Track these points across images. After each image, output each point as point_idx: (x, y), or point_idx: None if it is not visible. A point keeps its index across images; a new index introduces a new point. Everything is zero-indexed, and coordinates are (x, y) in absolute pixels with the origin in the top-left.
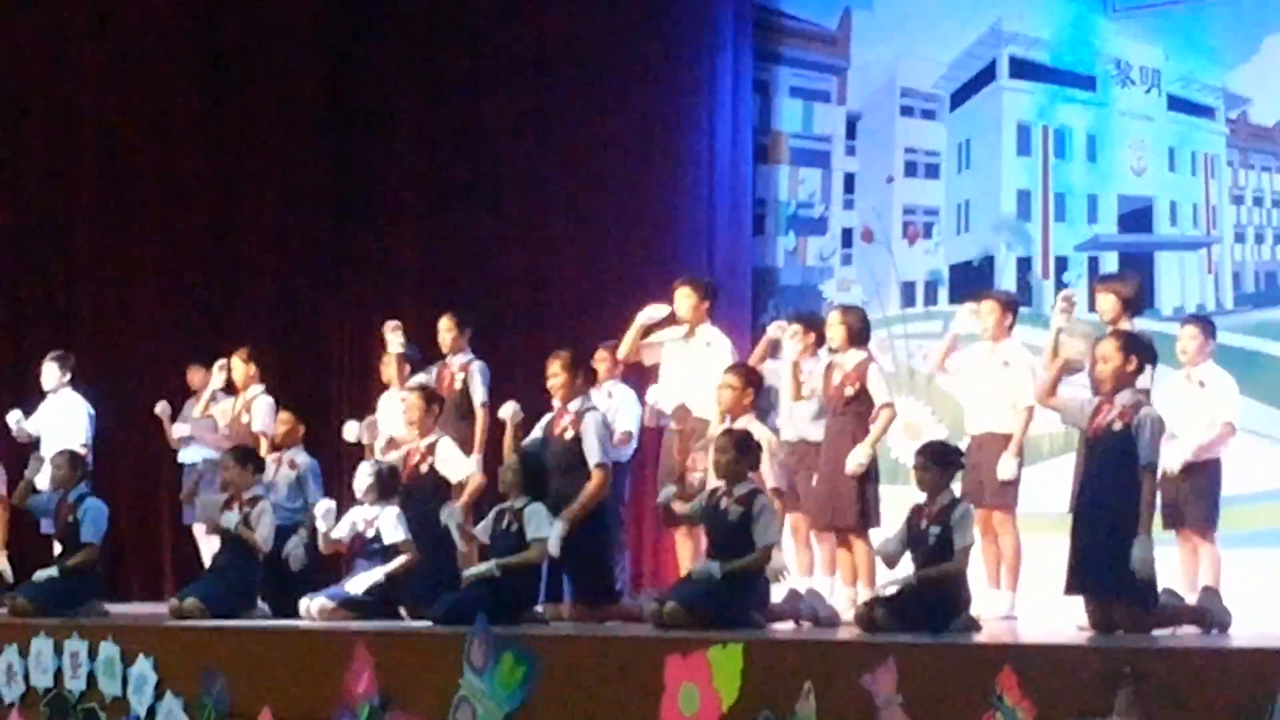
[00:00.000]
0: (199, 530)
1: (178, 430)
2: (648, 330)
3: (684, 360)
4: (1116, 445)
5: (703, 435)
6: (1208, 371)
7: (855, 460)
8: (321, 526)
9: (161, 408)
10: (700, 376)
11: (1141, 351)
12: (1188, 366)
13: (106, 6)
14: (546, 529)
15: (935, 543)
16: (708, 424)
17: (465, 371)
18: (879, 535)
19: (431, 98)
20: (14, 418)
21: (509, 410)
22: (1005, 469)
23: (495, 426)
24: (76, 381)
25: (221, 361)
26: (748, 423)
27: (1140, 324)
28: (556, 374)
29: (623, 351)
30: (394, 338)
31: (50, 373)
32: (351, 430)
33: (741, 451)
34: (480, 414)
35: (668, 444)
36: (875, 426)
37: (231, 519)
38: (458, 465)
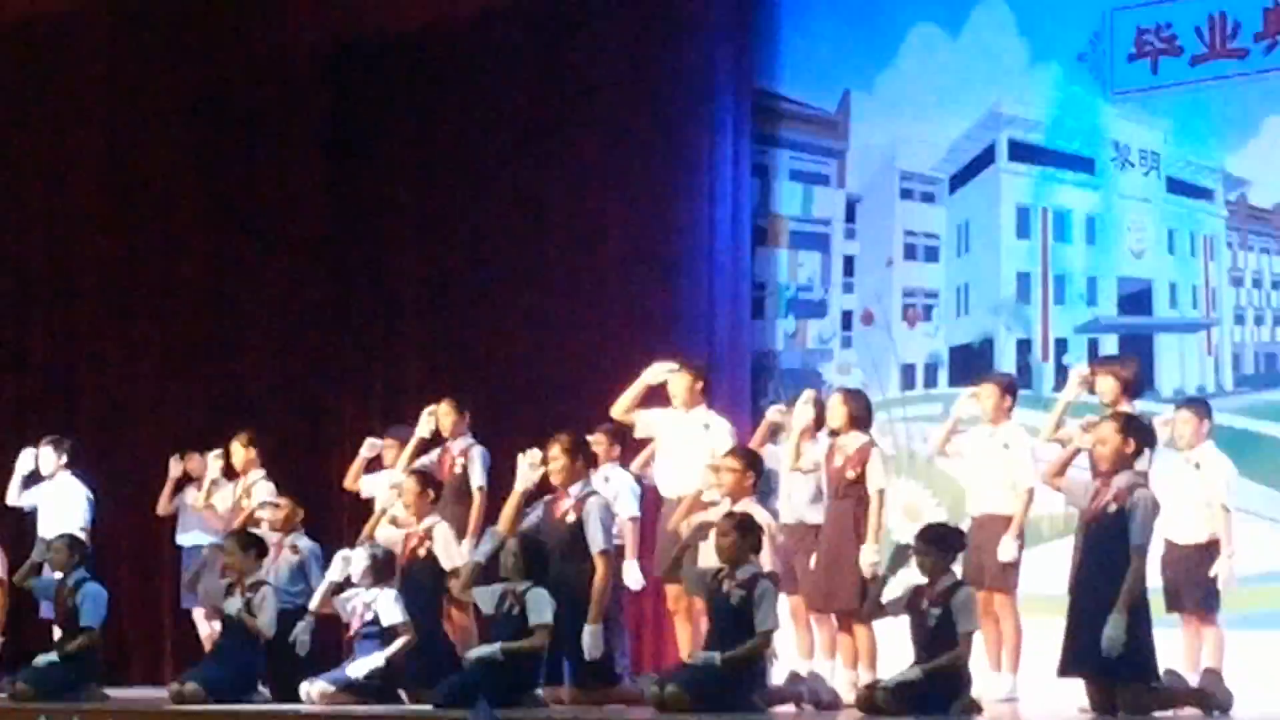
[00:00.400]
0: (199, 614)
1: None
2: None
3: (682, 442)
4: (1112, 527)
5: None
6: (1204, 453)
7: (868, 561)
8: (335, 575)
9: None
10: (699, 458)
11: (1140, 433)
12: (1184, 451)
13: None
14: (549, 614)
15: (936, 624)
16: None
17: (465, 456)
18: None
19: (430, 182)
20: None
21: (529, 459)
22: (1006, 551)
23: (492, 511)
24: (74, 465)
25: (218, 451)
26: (748, 505)
27: (1140, 406)
28: (556, 457)
29: (618, 409)
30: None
31: (47, 458)
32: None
33: (743, 534)
34: (477, 498)
35: (664, 520)
36: (872, 519)
37: (234, 605)
38: (452, 553)
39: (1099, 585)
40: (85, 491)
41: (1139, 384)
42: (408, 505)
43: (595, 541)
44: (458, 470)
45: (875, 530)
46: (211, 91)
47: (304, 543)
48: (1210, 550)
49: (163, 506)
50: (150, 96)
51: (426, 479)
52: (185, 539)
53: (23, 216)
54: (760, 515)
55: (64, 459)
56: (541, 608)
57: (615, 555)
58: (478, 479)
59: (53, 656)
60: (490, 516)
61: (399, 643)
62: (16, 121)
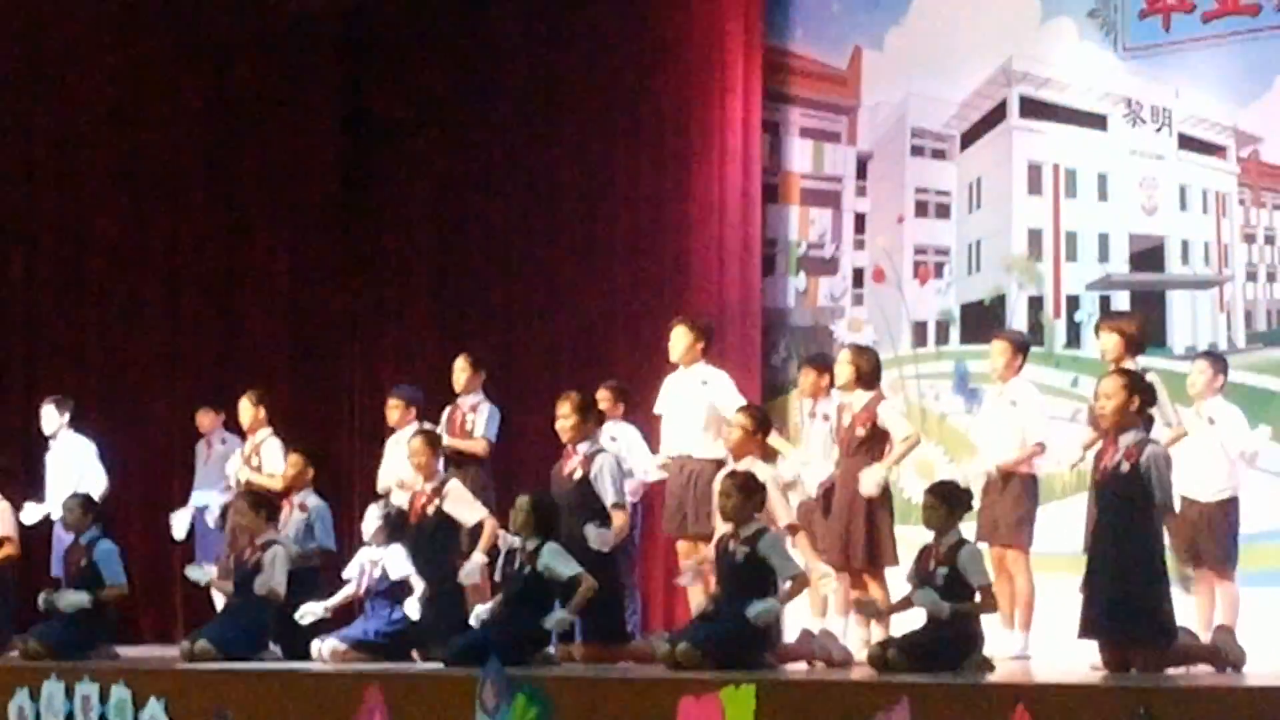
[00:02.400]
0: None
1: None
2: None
3: (680, 399)
4: (1126, 486)
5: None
6: (1216, 406)
7: (871, 479)
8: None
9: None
10: (697, 415)
11: (1143, 390)
12: (1197, 401)
13: (116, 51)
14: (574, 562)
15: (944, 583)
16: (709, 465)
17: (475, 411)
18: (894, 575)
19: (443, 138)
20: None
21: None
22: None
23: (498, 473)
24: (77, 423)
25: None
26: (750, 464)
27: (1152, 363)
28: (567, 415)
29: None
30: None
31: (49, 416)
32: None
33: (745, 494)
34: (479, 445)
35: (671, 482)
36: (895, 451)
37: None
38: (469, 509)
39: (1115, 545)
40: (92, 448)
41: (1143, 341)
42: (418, 465)
43: (607, 494)
44: (468, 427)
45: (892, 460)
46: (223, 52)
47: (313, 501)
48: (1227, 506)
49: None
50: (161, 59)
51: (434, 438)
52: (197, 497)
53: (32, 177)
54: (764, 473)
55: (66, 417)
56: (564, 561)
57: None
58: (481, 429)
59: (84, 601)
60: (496, 478)
61: (417, 593)
62: (26, 85)
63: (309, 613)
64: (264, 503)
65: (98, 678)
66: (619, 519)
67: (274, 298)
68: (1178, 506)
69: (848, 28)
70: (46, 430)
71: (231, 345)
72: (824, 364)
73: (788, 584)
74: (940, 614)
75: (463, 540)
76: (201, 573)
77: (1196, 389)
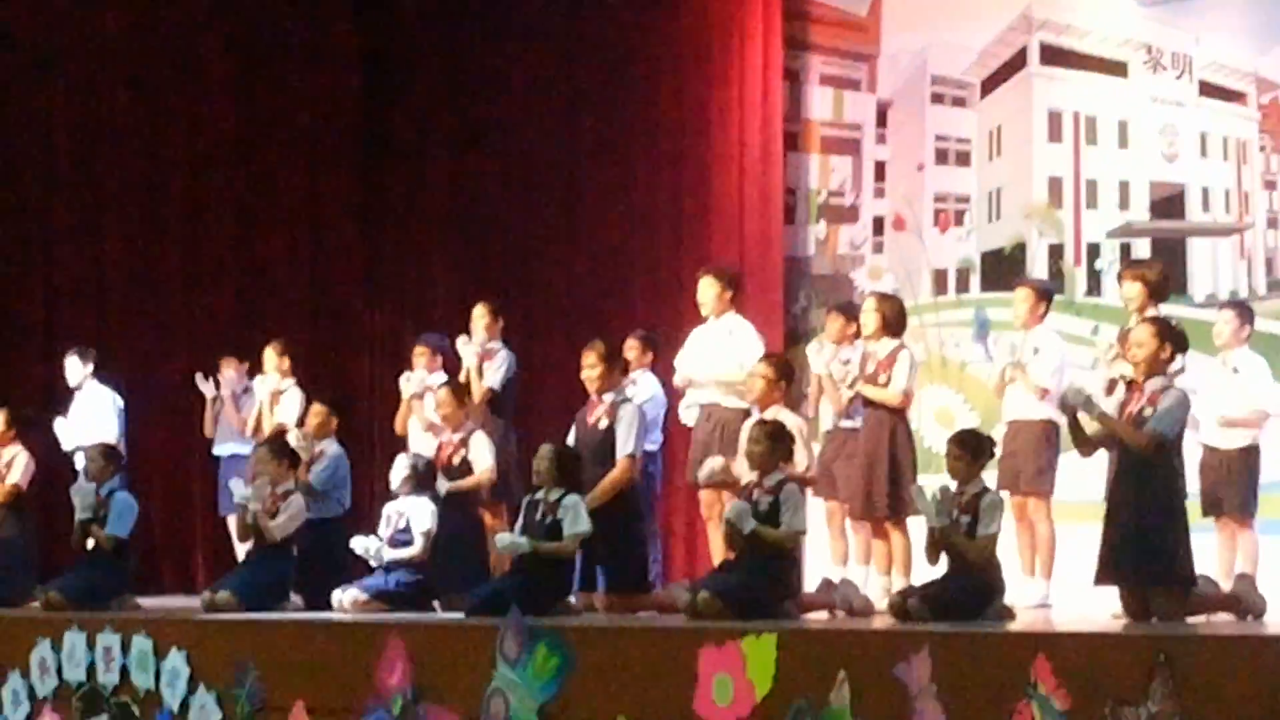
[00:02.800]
0: (232, 522)
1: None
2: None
3: (708, 348)
4: None
5: (733, 427)
6: (1241, 357)
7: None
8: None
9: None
10: (724, 365)
11: (1175, 338)
12: (1223, 351)
13: (139, 11)
14: (585, 524)
15: (966, 531)
16: (736, 414)
17: (490, 359)
18: (916, 524)
19: (458, 90)
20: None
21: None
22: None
23: (517, 424)
24: (100, 373)
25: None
26: (778, 413)
27: (1173, 310)
28: (593, 365)
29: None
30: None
31: (73, 367)
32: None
33: (774, 442)
34: (480, 393)
35: (697, 433)
36: (881, 391)
37: (248, 497)
38: (481, 460)
39: (1135, 491)
40: (114, 398)
41: (1165, 288)
42: (445, 416)
43: (622, 443)
44: (482, 375)
45: (868, 389)
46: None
47: (334, 449)
48: (1248, 454)
49: (208, 428)
50: (180, 6)
51: (461, 388)
52: (222, 449)
53: (49, 129)
54: (791, 421)
55: (90, 367)
56: (577, 518)
57: (644, 460)
58: (490, 379)
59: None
60: (517, 426)
61: (411, 550)
62: (45, 34)
63: (362, 546)
64: (286, 451)
65: (119, 628)
66: (621, 470)
67: (295, 248)
68: (1198, 454)
69: None
70: (71, 382)
71: (252, 295)
72: (851, 311)
73: (782, 533)
74: (930, 521)
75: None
76: (241, 490)
77: (1223, 338)
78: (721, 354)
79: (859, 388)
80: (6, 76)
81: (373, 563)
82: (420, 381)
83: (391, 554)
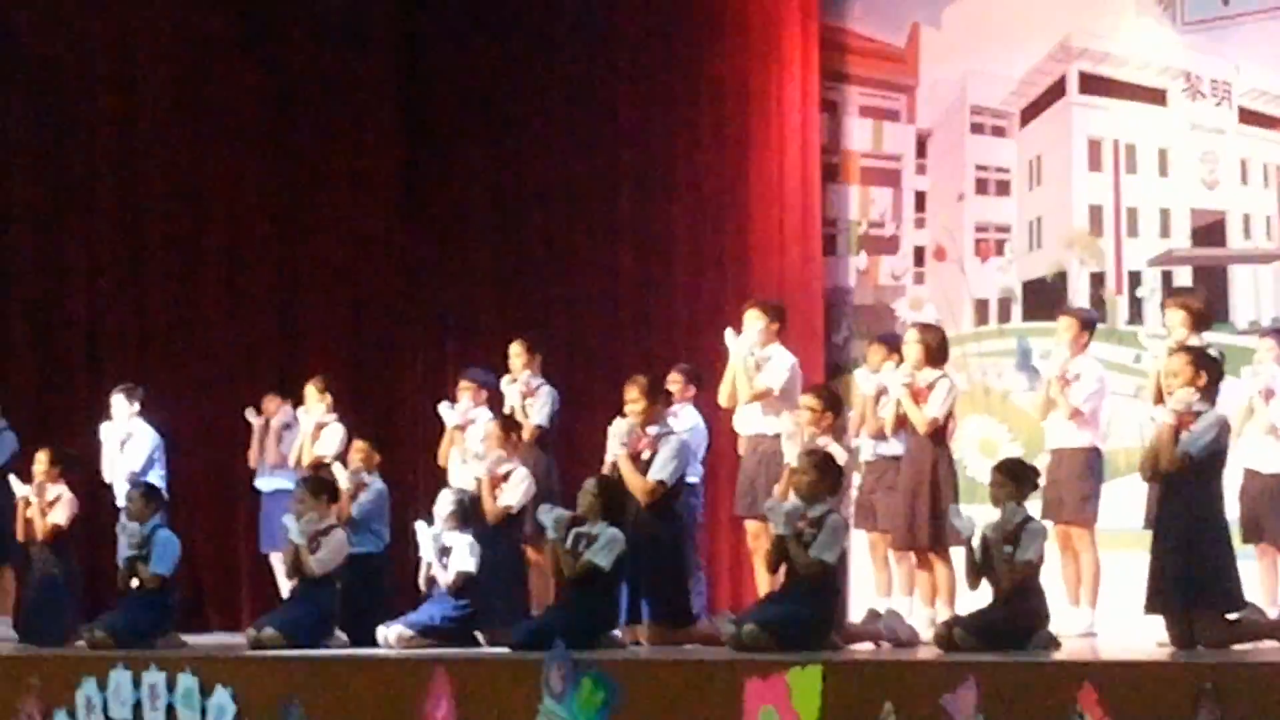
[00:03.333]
0: (276, 559)
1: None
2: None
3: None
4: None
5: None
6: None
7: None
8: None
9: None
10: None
11: (1210, 366)
12: (1261, 377)
13: (177, 36)
14: (604, 557)
15: (1007, 560)
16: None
17: (533, 395)
18: (959, 554)
19: (502, 124)
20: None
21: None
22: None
23: (558, 456)
24: (146, 412)
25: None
26: (827, 444)
27: (1215, 338)
28: (636, 399)
29: (724, 398)
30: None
31: (120, 405)
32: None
33: (822, 473)
34: (530, 434)
35: (744, 464)
36: (914, 410)
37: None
38: (511, 493)
39: (1180, 519)
40: (155, 438)
41: (1209, 316)
42: (489, 450)
43: (657, 469)
44: (526, 411)
45: (906, 405)
46: (282, 30)
47: (376, 484)
48: None
49: (253, 459)
50: (221, 37)
51: (510, 423)
52: (265, 483)
53: (93, 166)
54: (837, 454)
55: (136, 407)
56: (603, 547)
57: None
58: (537, 417)
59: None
60: (560, 460)
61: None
62: (88, 72)
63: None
64: (325, 488)
65: (165, 666)
66: (649, 485)
67: (336, 285)
68: (1239, 479)
69: (905, 5)
70: (116, 420)
71: (293, 330)
72: (893, 341)
73: (809, 558)
74: (966, 532)
75: (527, 525)
76: (295, 526)
77: (1263, 364)
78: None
79: (900, 394)
80: (47, 117)
81: (431, 544)
82: (463, 413)
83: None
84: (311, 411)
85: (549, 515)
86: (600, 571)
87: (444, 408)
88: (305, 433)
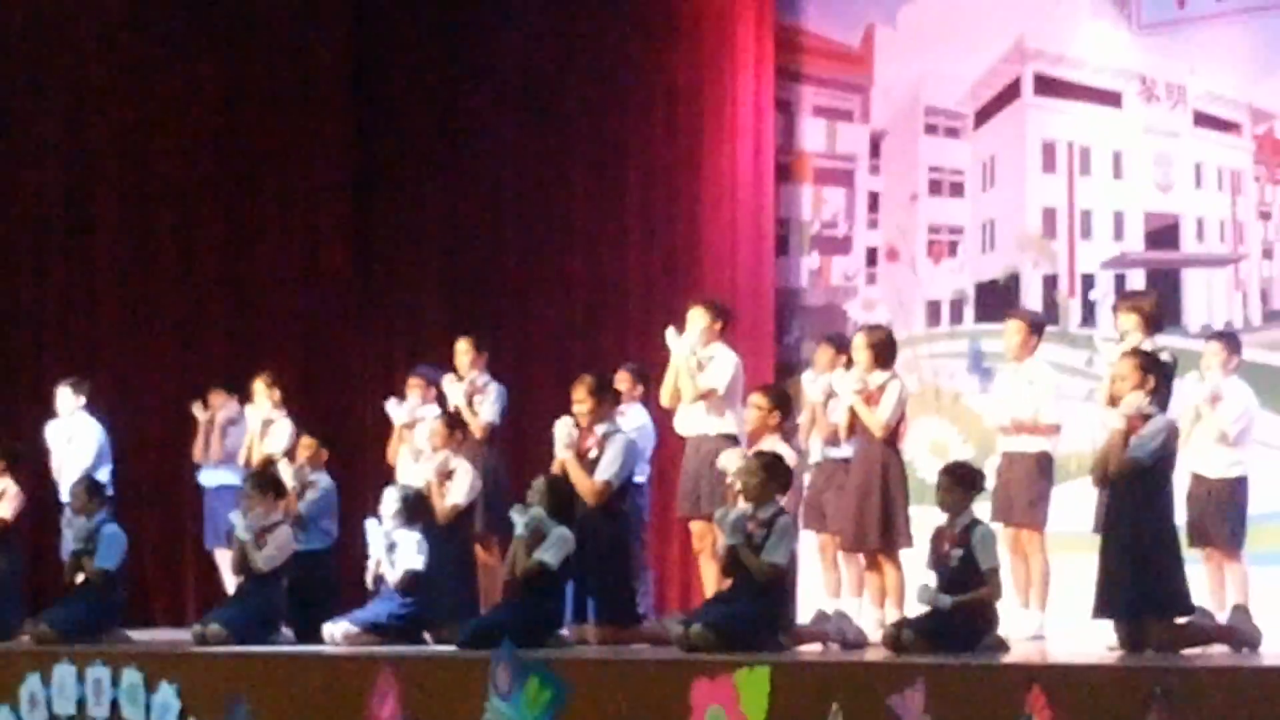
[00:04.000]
0: (221, 555)
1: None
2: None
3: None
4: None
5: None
6: (1225, 386)
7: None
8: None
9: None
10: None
11: (1159, 369)
12: (1210, 383)
13: (126, 28)
14: (552, 554)
15: (958, 565)
16: (724, 443)
17: (482, 393)
18: (909, 556)
19: (451, 120)
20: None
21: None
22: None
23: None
24: (92, 406)
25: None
26: (774, 444)
27: (1167, 341)
28: (582, 399)
29: (666, 398)
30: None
31: (65, 398)
32: (394, 408)
33: (770, 474)
34: (479, 433)
35: (687, 465)
36: (867, 413)
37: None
38: (457, 491)
39: (1129, 524)
40: (100, 432)
41: (1161, 319)
42: (436, 447)
43: (603, 469)
44: (475, 408)
45: (853, 403)
46: (234, 22)
47: (324, 481)
48: (1236, 485)
49: (197, 453)
50: (172, 29)
51: (454, 420)
52: (209, 478)
53: (41, 157)
54: (786, 453)
55: (83, 400)
56: (552, 545)
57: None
58: (487, 414)
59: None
60: (507, 457)
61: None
62: (38, 62)
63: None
64: (272, 484)
65: (109, 661)
66: (596, 486)
67: (284, 279)
68: (1185, 483)
69: (860, 5)
70: (62, 413)
71: (241, 326)
72: (841, 342)
73: (760, 561)
74: (943, 607)
75: (477, 521)
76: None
77: (1211, 370)
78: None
79: (852, 400)
80: None
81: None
82: (411, 411)
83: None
84: (259, 407)
85: (521, 516)
86: (549, 570)
87: (391, 405)
88: (253, 430)
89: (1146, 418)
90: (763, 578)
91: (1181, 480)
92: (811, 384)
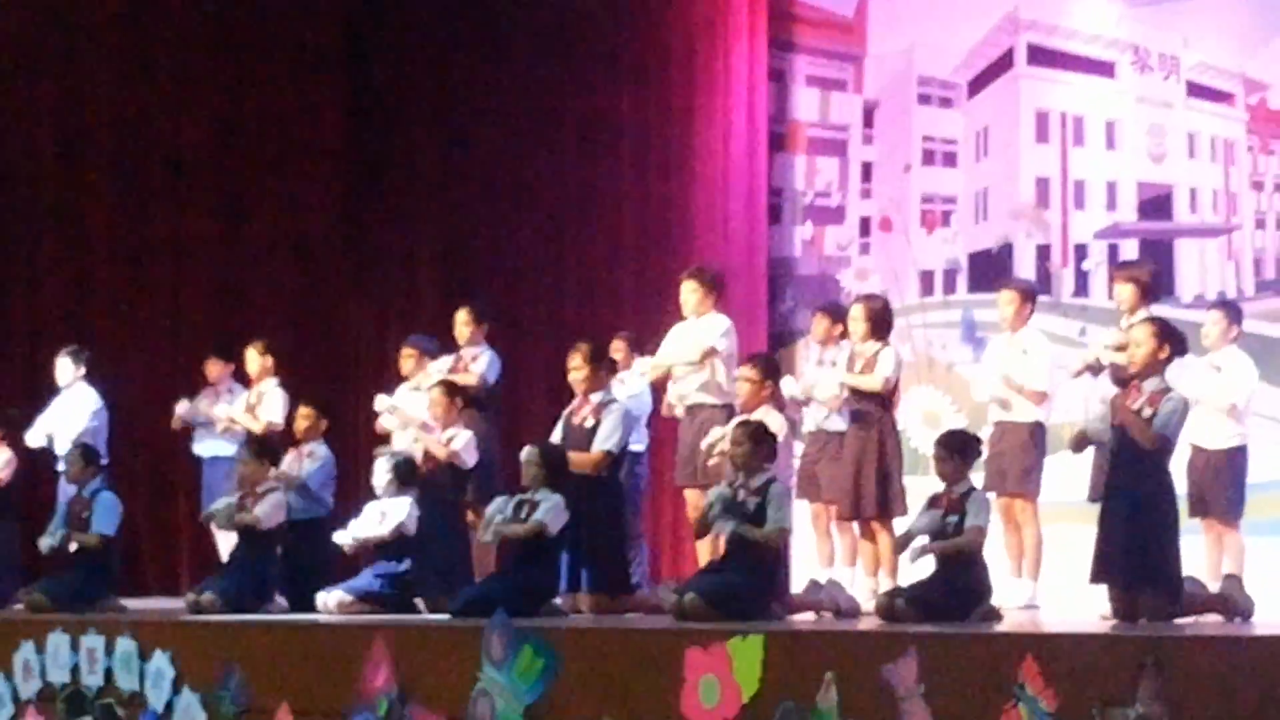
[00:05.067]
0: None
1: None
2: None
3: (677, 339)
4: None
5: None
6: (1226, 356)
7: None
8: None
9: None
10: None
11: (1174, 338)
12: (1210, 351)
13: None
14: (552, 518)
15: (953, 531)
16: (720, 412)
17: (475, 361)
18: (902, 525)
19: (446, 88)
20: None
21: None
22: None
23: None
24: (91, 376)
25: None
26: (764, 414)
27: (1161, 311)
28: (578, 367)
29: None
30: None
31: (64, 368)
32: (382, 402)
33: (756, 443)
34: (474, 388)
35: (683, 433)
36: (863, 378)
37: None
38: (469, 459)
39: (1129, 491)
40: (97, 401)
41: (1158, 288)
42: (436, 416)
43: (602, 439)
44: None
45: (844, 374)
46: (230, 2)
47: (321, 450)
48: (1236, 455)
49: (182, 405)
50: (169, 10)
51: (453, 388)
52: (202, 449)
53: (33, 126)
54: (774, 423)
55: (82, 370)
56: (548, 510)
57: (627, 460)
58: (478, 368)
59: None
60: (502, 427)
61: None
62: (31, 39)
63: (344, 538)
64: (266, 450)
65: (103, 630)
66: (596, 457)
67: (279, 248)
68: (1186, 454)
69: None
70: (61, 382)
71: (236, 295)
72: (836, 311)
73: (767, 530)
74: (918, 547)
75: (470, 490)
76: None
77: (1211, 339)
78: (688, 344)
79: (844, 378)
80: None
81: (347, 548)
82: (390, 405)
83: (361, 533)
84: (253, 374)
85: (500, 506)
86: (547, 533)
87: (379, 401)
88: (250, 403)
89: (1164, 392)
90: (775, 543)
91: (1181, 451)
92: (791, 386)
